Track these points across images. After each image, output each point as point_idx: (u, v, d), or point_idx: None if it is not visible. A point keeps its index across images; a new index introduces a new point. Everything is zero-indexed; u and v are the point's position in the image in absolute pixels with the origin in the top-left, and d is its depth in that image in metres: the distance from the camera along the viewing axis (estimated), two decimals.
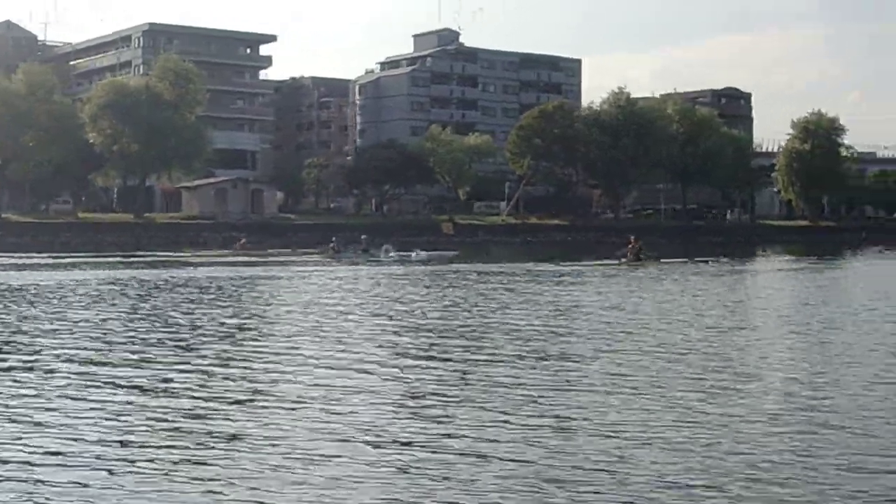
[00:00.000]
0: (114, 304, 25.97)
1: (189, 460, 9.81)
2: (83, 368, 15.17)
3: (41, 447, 10.19)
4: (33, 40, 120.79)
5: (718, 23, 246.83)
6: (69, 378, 14.28)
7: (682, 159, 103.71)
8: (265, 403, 12.61)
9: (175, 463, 9.72)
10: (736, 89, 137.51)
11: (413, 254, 54.77)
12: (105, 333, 19.59)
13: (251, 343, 18.65)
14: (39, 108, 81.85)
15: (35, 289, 30.67)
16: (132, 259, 49.97)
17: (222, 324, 21.64)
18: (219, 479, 9.17)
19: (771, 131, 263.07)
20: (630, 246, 49.10)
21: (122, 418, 11.67)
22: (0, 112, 79.96)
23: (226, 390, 13.52)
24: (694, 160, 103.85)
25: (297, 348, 17.59)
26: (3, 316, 22.73)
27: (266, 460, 9.80)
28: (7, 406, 12.21)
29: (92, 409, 12.12)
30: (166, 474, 9.33)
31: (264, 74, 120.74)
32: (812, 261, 57.07)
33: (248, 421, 11.55)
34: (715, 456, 10.03)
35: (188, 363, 15.81)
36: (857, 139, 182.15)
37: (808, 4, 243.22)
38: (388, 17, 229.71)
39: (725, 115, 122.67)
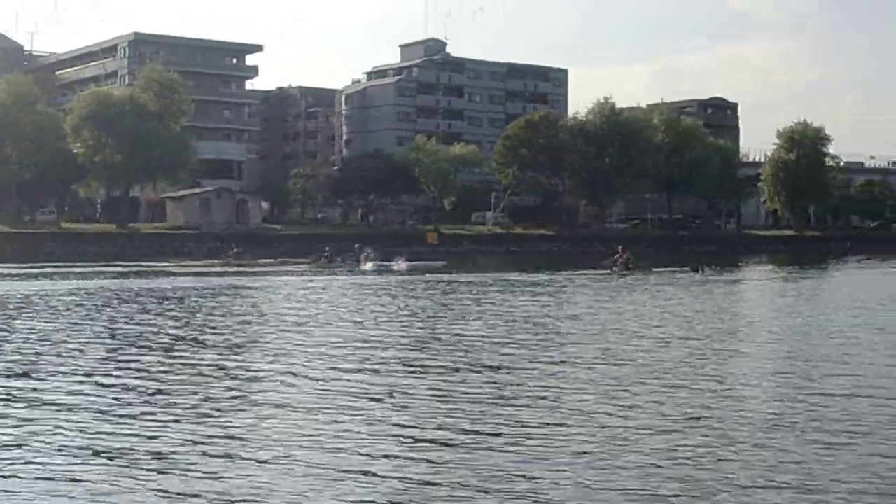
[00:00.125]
0: (65, 316, 25.91)
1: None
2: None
3: None
4: (19, 50, 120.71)
5: (708, 34, 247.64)
6: None
7: (667, 169, 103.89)
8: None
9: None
10: (722, 99, 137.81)
11: (394, 264, 54.60)
12: (41, 346, 19.57)
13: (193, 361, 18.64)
14: (23, 118, 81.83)
15: None
16: (110, 269, 49.94)
17: (168, 334, 21.68)
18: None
19: (759, 141, 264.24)
20: (617, 256, 49.27)
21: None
22: None
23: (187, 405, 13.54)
24: (679, 170, 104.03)
25: (234, 360, 17.61)
26: None
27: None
28: None
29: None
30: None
31: (251, 84, 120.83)
32: (793, 271, 57.50)
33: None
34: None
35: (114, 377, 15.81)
36: (845, 149, 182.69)
37: (796, 16, 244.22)
38: (376, 28, 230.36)
39: (712, 125, 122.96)
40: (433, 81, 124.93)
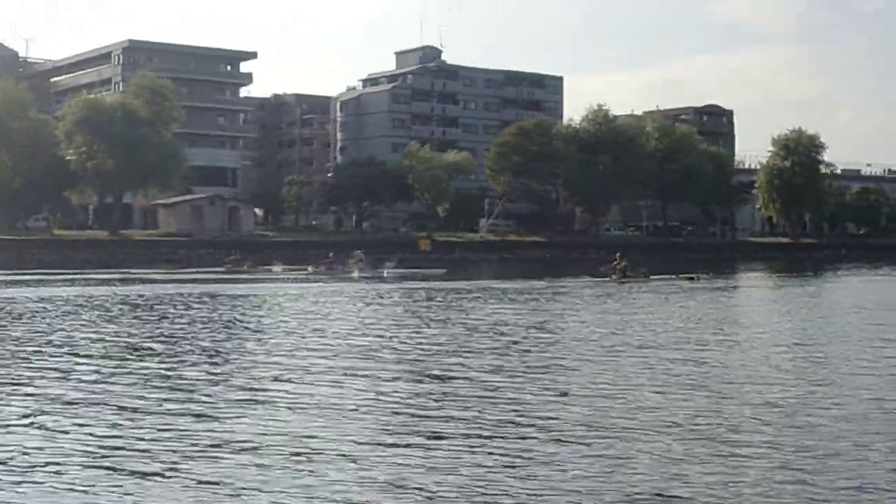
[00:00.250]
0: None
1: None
2: None
3: None
4: (14, 57, 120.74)
5: (705, 42, 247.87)
6: None
7: (661, 176, 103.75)
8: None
9: None
10: (718, 106, 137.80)
11: (385, 271, 54.21)
12: None
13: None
14: (14, 125, 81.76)
15: None
16: (103, 276, 49.89)
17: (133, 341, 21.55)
18: None
19: (756, 148, 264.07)
20: (615, 263, 49.21)
21: None
22: None
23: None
24: (673, 177, 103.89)
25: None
26: None
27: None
28: None
29: None
30: None
31: (246, 91, 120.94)
32: (785, 279, 57.43)
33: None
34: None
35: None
36: (842, 156, 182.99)
37: (794, 24, 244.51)
38: (374, 34, 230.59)
39: (707, 132, 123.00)
40: (428, 88, 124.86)
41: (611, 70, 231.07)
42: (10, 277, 47.14)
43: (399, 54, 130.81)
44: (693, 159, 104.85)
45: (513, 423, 12.71)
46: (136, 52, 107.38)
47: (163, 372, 16.98)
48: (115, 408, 13.61)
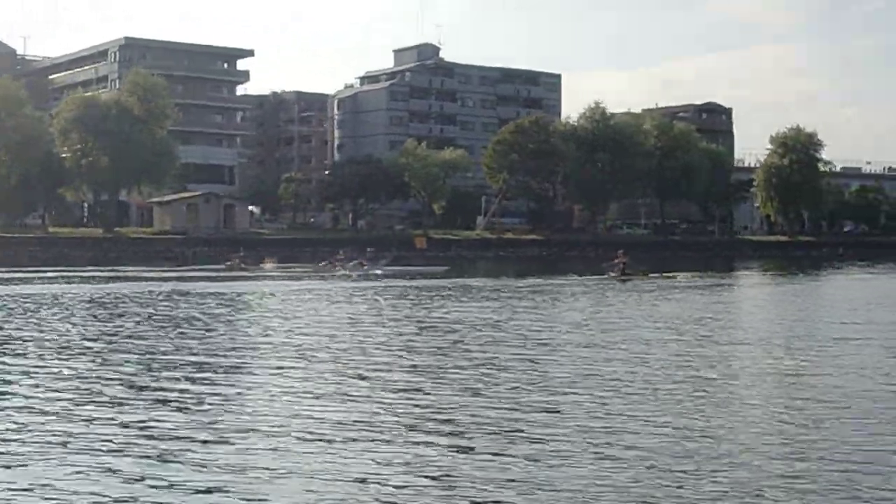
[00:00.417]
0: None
1: None
2: None
3: None
4: (12, 54, 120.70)
5: (706, 40, 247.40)
6: None
7: (659, 174, 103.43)
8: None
9: None
10: (717, 104, 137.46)
11: (377, 268, 53.82)
12: None
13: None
14: (9, 122, 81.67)
15: None
16: (85, 274, 49.72)
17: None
18: None
19: (757, 146, 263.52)
20: (617, 260, 49.11)
21: None
22: None
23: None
24: (672, 175, 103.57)
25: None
26: None
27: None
28: None
29: None
30: None
31: (244, 89, 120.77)
32: (778, 277, 57.42)
33: None
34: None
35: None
36: (844, 154, 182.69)
37: (795, 22, 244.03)
38: (375, 31, 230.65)
39: (706, 129, 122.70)
40: (426, 86, 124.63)
41: (611, 68, 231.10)
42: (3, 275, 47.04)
43: (397, 52, 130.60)
44: (691, 157, 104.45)
45: (418, 418, 12.67)
46: (133, 50, 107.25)
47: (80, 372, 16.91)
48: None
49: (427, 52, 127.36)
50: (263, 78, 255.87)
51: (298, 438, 11.60)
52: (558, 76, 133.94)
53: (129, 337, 22.30)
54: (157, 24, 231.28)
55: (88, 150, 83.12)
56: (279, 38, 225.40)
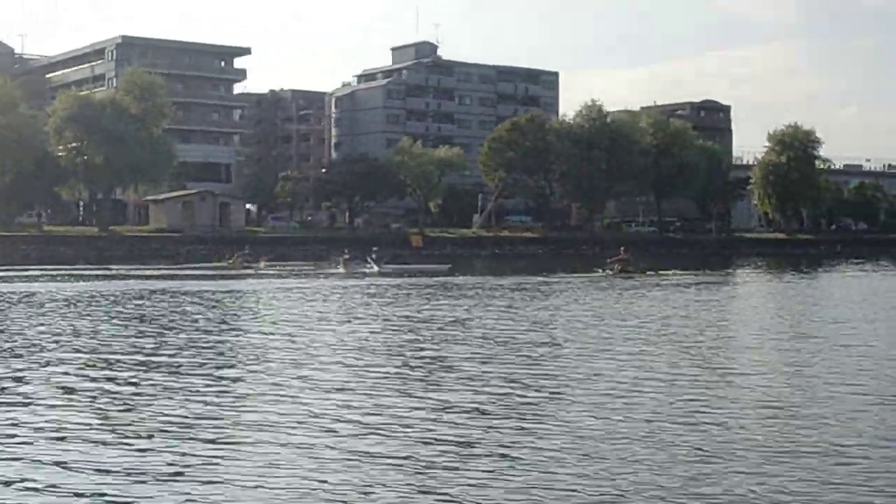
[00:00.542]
0: None
1: None
2: None
3: None
4: (10, 54, 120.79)
5: (707, 39, 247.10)
6: None
7: (655, 171, 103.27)
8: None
9: None
10: (715, 102, 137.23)
11: (366, 266, 53.54)
12: None
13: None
14: (2, 120, 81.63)
15: None
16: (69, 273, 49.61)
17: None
18: None
19: (757, 144, 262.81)
20: (619, 258, 49.05)
21: None
22: None
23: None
24: (668, 172, 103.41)
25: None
26: None
27: None
28: None
29: None
30: None
31: (242, 87, 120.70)
32: (773, 276, 57.38)
33: None
34: None
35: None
36: (847, 153, 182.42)
37: (797, 20, 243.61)
38: (375, 29, 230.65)
39: (705, 127, 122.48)
40: (423, 84, 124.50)
41: (611, 67, 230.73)
42: None
43: (395, 50, 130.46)
44: (688, 155, 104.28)
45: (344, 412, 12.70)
46: (130, 49, 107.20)
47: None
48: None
49: (425, 50, 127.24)
50: (263, 77, 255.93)
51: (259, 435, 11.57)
52: (556, 74, 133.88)
53: (80, 336, 22.22)
54: (157, 23, 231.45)
55: (83, 148, 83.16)
56: (279, 38, 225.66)
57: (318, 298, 34.41)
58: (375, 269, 52.72)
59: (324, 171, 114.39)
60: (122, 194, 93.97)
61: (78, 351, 19.60)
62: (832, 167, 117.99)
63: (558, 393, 14.80)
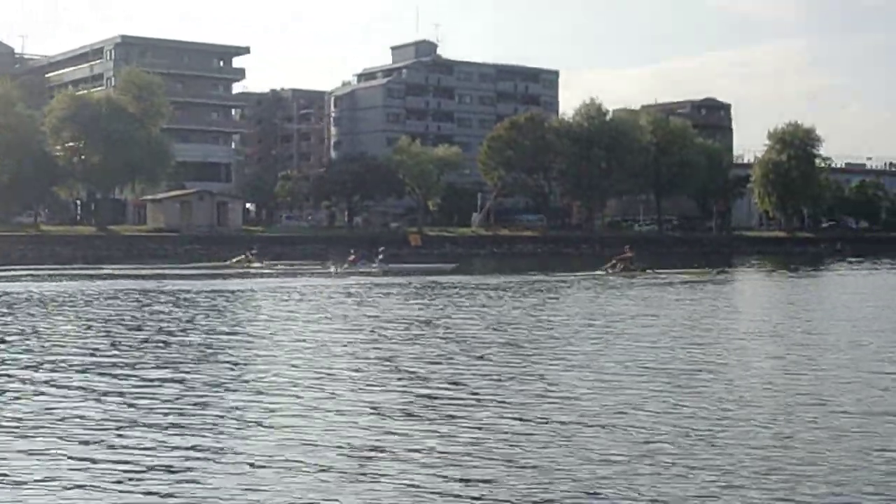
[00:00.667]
0: None
1: None
2: None
3: None
4: (10, 54, 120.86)
5: (707, 38, 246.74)
6: None
7: (656, 170, 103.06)
8: None
9: None
10: (715, 100, 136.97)
11: (363, 266, 53.22)
12: None
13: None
14: (1, 120, 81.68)
15: None
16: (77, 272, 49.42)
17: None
18: None
19: (757, 143, 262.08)
20: (623, 255, 48.90)
21: None
22: None
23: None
24: (668, 171, 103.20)
25: None
26: None
27: None
28: None
29: None
30: None
31: (242, 87, 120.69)
32: (770, 274, 57.16)
33: None
34: None
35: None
36: (849, 151, 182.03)
37: (798, 19, 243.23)
38: (375, 29, 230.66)
39: (705, 125, 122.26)
40: (422, 83, 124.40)
41: (611, 66, 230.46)
42: None
43: (395, 49, 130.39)
44: (688, 153, 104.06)
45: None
46: (129, 48, 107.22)
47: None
48: None
49: (424, 49, 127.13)
50: (263, 76, 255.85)
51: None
52: (556, 73, 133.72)
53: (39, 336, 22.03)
54: (157, 23, 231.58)
55: (81, 148, 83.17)
56: (279, 38, 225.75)
57: (327, 299, 34.15)
58: (380, 268, 52.48)
59: (322, 170, 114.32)
60: (120, 194, 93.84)
61: (29, 351, 19.34)
62: (833, 166, 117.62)
63: (546, 391, 14.64)
